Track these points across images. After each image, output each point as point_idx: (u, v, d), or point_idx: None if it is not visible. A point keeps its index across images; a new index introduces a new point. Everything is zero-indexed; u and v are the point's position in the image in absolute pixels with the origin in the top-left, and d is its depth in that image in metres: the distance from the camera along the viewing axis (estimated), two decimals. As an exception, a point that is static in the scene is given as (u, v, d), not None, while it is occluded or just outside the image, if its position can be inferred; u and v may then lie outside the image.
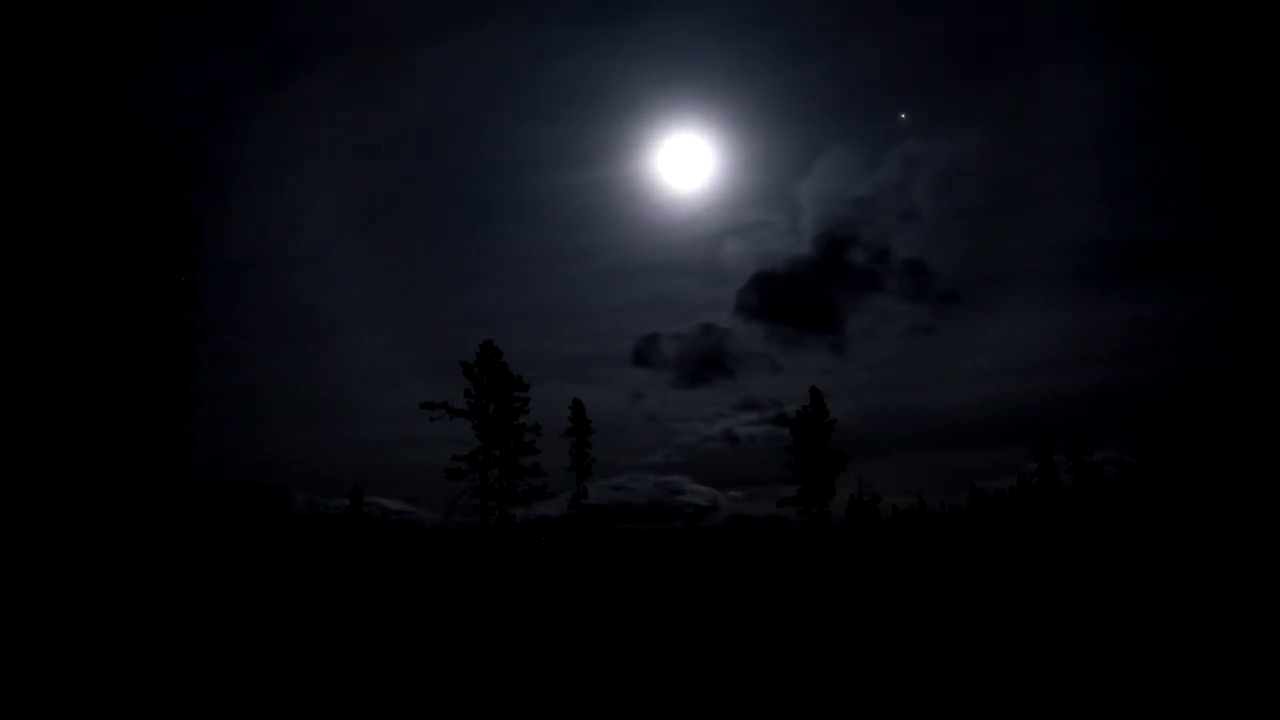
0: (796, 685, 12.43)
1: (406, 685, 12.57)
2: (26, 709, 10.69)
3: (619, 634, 18.73)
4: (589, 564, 40.27)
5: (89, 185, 23.21)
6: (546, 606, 24.67)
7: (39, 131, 23.83)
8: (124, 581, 19.19)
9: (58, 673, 12.37)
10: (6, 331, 21.10)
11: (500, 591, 27.93)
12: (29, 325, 21.44)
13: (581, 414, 43.17)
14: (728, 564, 46.62)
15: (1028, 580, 29.21)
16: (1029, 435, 55.17)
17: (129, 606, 17.84)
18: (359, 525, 49.03)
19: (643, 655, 15.42)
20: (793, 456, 44.10)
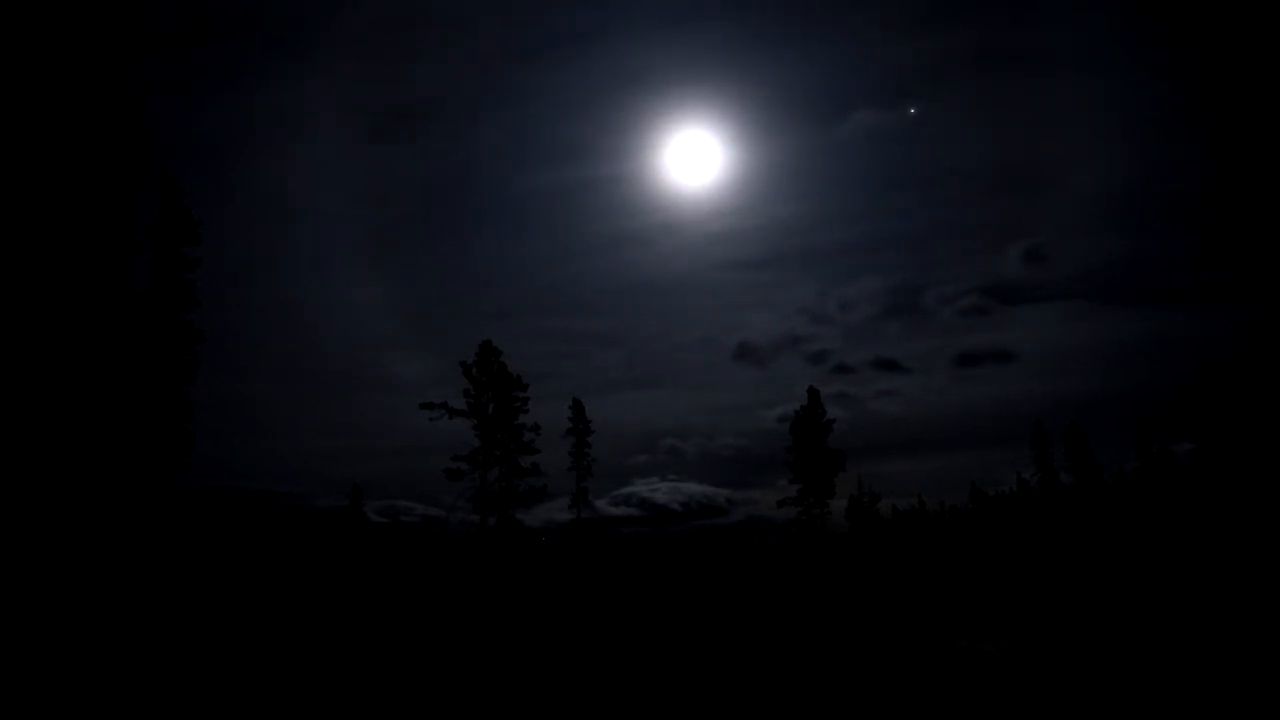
0: (795, 684, 12.45)
1: (406, 683, 12.58)
2: (28, 709, 10.69)
3: (621, 634, 18.74)
4: (591, 564, 40.26)
5: (89, 186, 23.24)
6: (547, 608, 24.67)
7: (38, 134, 23.86)
8: (125, 580, 19.19)
9: (59, 671, 12.38)
10: (7, 332, 21.12)
11: (501, 592, 27.93)
12: (30, 326, 21.45)
13: (581, 414, 43.10)
14: (727, 564, 46.62)
15: (1026, 580, 29.24)
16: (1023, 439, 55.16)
17: (130, 606, 17.85)
18: (358, 526, 49.05)
19: (645, 656, 15.43)
20: (792, 456, 44.07)
